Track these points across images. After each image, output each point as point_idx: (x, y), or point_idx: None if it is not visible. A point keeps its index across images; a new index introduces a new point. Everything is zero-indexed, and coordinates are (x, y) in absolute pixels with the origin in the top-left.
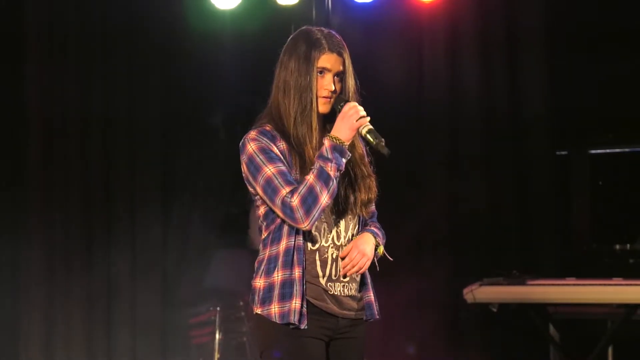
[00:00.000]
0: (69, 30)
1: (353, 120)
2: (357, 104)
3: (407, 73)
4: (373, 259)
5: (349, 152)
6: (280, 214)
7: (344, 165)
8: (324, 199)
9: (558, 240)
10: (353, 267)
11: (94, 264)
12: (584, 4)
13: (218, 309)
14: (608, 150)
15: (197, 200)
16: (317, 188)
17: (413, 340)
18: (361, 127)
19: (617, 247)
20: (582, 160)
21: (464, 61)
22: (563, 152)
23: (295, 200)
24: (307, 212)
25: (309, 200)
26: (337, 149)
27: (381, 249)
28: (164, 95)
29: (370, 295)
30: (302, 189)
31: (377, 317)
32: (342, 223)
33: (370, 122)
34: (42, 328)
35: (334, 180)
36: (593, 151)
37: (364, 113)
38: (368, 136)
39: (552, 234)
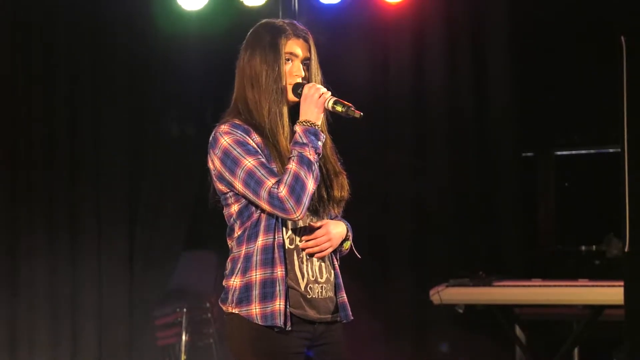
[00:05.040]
0: (32, 30)
1: (316, 98)
2: (314, 82)
3: (373, 74)
4: (349, 249)
5: (323, 134)
6: (267, 207)
7: (321, 148)
8: (311, 184)
9: (524, 241)
10: (315, 247)
11: (58, 264)
12: (550, 4)
13: (185, 310)
14: (574, 152)
15: (163, 201)
16: (302, 174)
17: (379, 341)
18: (326, 102)
19: (583, 248)
20: (547, 162)
21: (429, 62)
22: (529, 154)
23: (283, 191)
24: (298, 201)
25: (297, 188)
26: (311, 131)
27: (347, 244)
28: (130, 96)
29: (344, 296)
30: (288, 178)
31: (352, 318)
32: (316, 221)
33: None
34: (4, 328)
35: (316, 165)
36: (559, 152)
37: (324, 89)
38: (336, 107)
39: (518, 235)
